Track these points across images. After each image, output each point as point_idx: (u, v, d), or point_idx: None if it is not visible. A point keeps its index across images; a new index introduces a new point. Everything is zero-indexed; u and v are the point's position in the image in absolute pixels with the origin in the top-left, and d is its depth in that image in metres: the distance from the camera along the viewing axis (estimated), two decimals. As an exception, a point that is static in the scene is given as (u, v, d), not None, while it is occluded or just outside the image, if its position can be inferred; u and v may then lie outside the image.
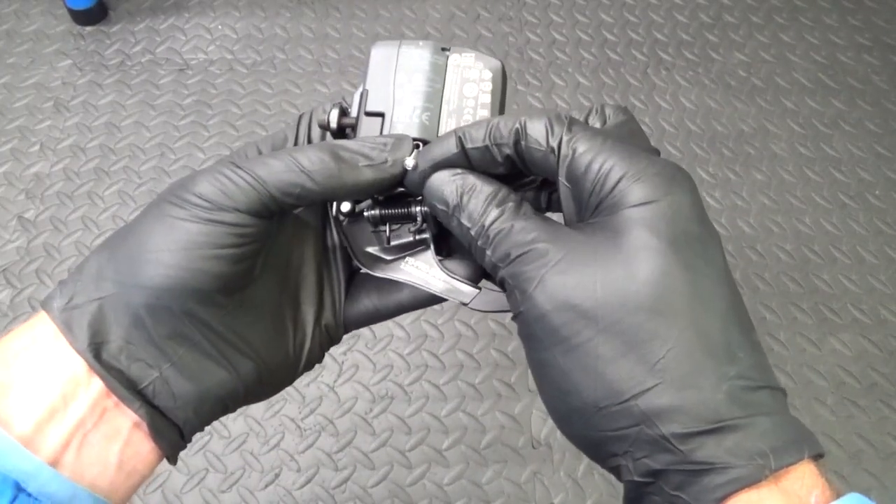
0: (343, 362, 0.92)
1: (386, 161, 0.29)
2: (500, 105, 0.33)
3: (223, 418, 0.87)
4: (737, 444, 0.22)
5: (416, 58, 0.32)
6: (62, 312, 0.26)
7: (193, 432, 0.29)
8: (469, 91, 0.32)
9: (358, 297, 0.34)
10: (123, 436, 0.27)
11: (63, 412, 0.25)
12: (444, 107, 0.32)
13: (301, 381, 0.90)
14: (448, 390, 0.90)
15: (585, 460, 0.86)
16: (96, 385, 0.26)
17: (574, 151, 0.27)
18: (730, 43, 1.25)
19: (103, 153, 1.08)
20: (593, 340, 0.24)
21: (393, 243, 0.33)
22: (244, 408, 0.88)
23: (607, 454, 0.25)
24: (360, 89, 0.32)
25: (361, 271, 0.33)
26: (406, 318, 0.95)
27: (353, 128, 0.32)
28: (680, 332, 0.23)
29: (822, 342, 0.96)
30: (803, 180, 1.10)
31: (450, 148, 0.29)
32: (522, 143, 0.28)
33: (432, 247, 0.33)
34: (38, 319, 0.27)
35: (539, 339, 0.25)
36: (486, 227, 0.28)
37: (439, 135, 0.31)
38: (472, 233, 0.28)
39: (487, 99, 0.32)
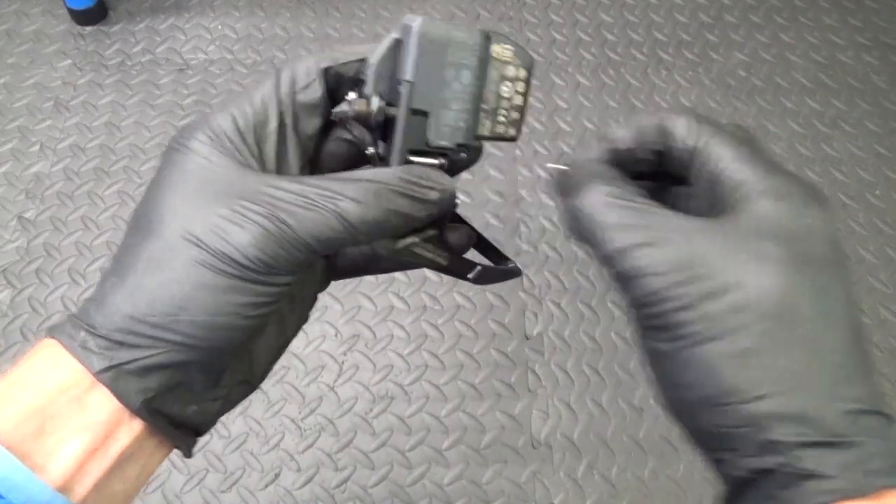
0: (343, 362, 0.92)
1: (428, 214, 0.29)
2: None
3: (223, 418, 0.87)
4: (845, 459, 0.23)
5: (466, 51, 0.30)
6: (104, 374, 0.25)
7: (210, 428, 0.31)
8: (505, 91, 0.31)
9: (349, 252, 0.34)
10: (148, 452, 0.28)
11: (104, 450, 0.26)
12: (482, 106, 0.31)
13: (301, 381, 0.90)
14: (448, 390, 0.90)
15: (585, 460, 0.86)
16: (137, 424, 0.27)
17: (716, 155, 0.27)
18: (730, 43, 1.25)
19: (103, 153, 1.08)
20: (717, 340, 0.24)
21: None
22: (244, 407, 0.88)
23: (713, 447, 0.26)
24: (405, 77, 0.29)
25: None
26: (406, 318, 0.95)
27: (382, 118, 0.29)
28: (803, 344, 0.24)
29: (822, 342, 0.96)
30: (803, 180, 1.11)
31: (600, 159, 0.29)
32: (668, 141, 0.28)
33: (443, 232, 0.32)
34: (62, 357, 0.26)
35: (662, 330, 0.26)
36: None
37: (476, 134, 0.31)
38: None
39: (521, 101, 0.32)
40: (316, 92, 0.29)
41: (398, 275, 0.98)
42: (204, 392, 0.28)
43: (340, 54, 0.30)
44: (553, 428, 0.88)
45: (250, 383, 0.31)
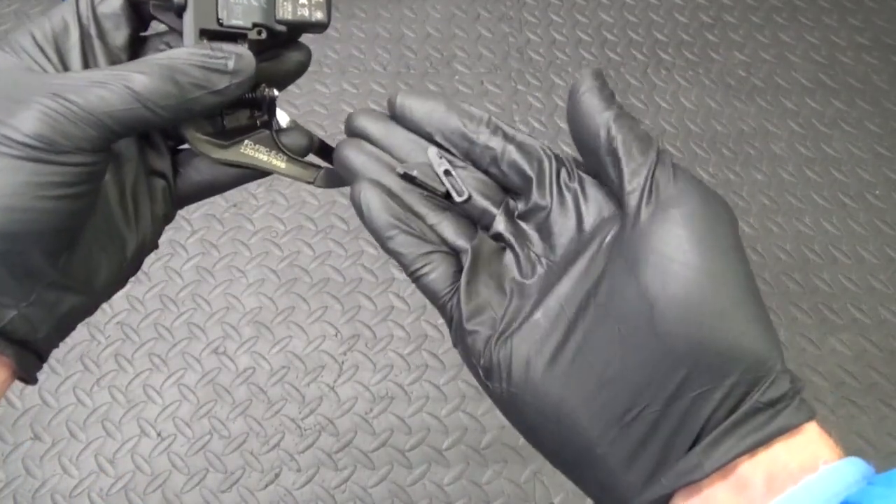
0: (343, 362, 0.92)
1: (229, 85, 0.28)
2: None
3: (223, 418, 0.87)
4: None
5: None
6: None
7: (51, 351, 0.29)
8: None
9: (188, 174, 0.33)
10: None
11: None
12: None
13: (301, 381, 0.90)
14: (448, 390, 0.90)
15: (585, 460, 0.86)
16: None
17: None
18: (730, 43, 1.25)
19: (103, 153, 1.08)
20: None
21: (229, 126, 0.32)
22: (244, 407, 0.88)
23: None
24: None
25: (197, 158, 0.32)
26: (406, 318, 0.95)
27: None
28: None
29: (822, 342, 0.96)
30: (803, 180, 1.10)
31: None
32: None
33: (273, 130, 0.32)
34: None
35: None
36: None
37: (278, 18, 0.30)
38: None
39: None
40: (116, 1, 0.30)
41: (398, 274, 0.98)
42: (18, 292, 0.27)
43: None
44: (553, 428, 0.88)
45: (82, 294, 0.29)
